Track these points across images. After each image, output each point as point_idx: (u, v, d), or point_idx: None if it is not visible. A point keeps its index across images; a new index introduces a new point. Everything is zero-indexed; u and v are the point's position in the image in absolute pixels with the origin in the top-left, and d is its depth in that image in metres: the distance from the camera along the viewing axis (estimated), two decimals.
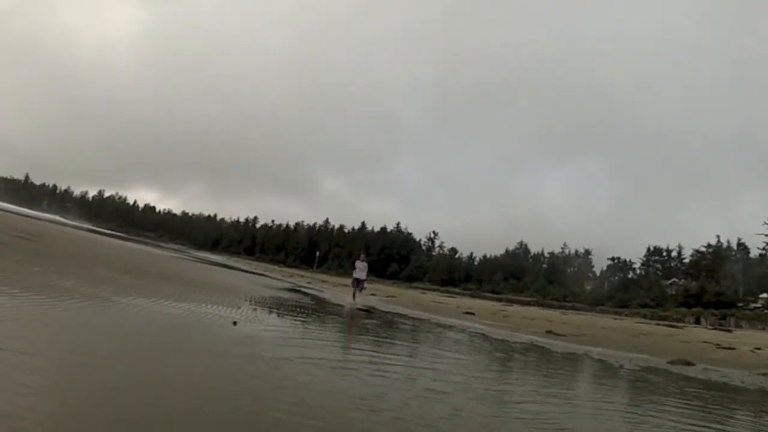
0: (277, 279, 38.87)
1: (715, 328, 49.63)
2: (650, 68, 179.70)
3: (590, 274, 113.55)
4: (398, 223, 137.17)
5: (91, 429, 3.47)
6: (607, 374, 11.44)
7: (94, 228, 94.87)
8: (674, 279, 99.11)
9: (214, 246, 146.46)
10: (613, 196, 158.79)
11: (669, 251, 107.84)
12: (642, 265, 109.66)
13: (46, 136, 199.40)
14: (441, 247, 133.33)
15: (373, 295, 37.70)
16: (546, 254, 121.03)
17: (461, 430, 4.94)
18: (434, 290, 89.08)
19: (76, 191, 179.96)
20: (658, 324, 48.03)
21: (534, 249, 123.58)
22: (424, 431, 4.73)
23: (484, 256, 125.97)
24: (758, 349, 22.11)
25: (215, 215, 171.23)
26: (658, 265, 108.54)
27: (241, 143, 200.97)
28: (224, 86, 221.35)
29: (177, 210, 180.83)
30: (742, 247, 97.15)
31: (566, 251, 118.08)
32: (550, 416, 6.07)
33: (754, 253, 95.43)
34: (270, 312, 12.99)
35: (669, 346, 20.26)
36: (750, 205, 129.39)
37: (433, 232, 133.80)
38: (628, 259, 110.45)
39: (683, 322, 63.51)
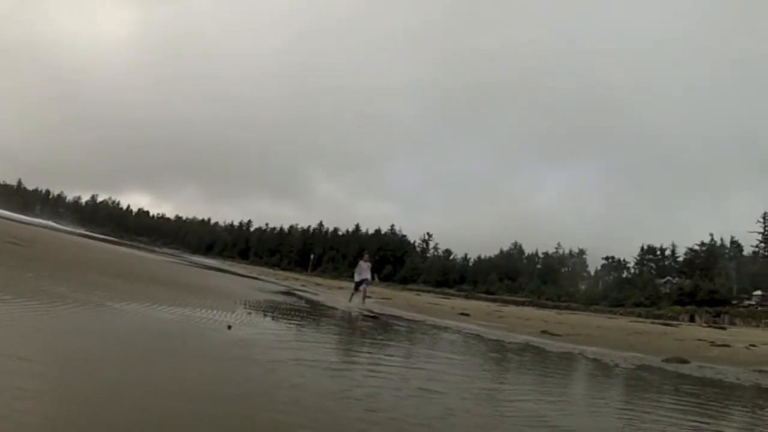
0: (271, 282, 38.77)
1: (710, 326, 49.87)
2: (649, 68, 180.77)
3: (585, 274, 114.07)
4: (392, 225, 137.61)
5: None
6: (602, 373, 11.46)
7: (87, 233, 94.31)
8: (668, 278, 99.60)
9: (208, 250, 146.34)
10: (607, 196, 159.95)
11: (663, 250, 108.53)
12: (636, 264, 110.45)
13: (39, 141, 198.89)
14: (435, 248, 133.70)
15: (369, 297, 37.60)
16: (540, 254, 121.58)
17: (455, 429, 4.95)
18: (429, 292, 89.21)
19: (69, 196, 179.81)
20: (652, 323, 48.18)
21: (528, 249, 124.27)
22: (417, 430, 4.74)
23: (479, 257, 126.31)
24: (753, 346, 22.20)
25: (209, 219, 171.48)
26: (652, 264, 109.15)
27: (235, 146, 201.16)
28: (218, 89, 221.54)
29: (171, 214, 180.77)
30: (736, 245, 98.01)
31: (560, 251, 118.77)
32: (545, 415, 6.09)
33: (747, 251, 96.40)
34: (264, 315, 12.97)
35: (664, 345, 20.31)
36: (742, 204, 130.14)
37: (428, 233, 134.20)
38: (622, 259, 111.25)
39: (678, 320, 63.81)
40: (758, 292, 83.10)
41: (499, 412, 5.99)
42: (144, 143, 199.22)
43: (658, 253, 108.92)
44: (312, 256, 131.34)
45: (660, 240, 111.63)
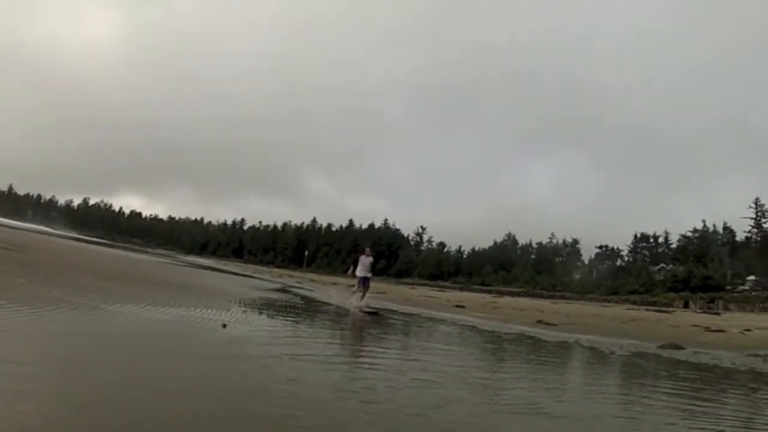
0: (266, 280, 38.76)
1: (704, 312, 50.15)
2: (632, 59, 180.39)
3: (579, 263, 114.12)
4: (386, 220, 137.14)
5: None
6: (598, 361, 11.53)
7: (80, 237, 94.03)
8: (662, 265, 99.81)
9: (201, 250, 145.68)
10: (599, 186, 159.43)
11: (656, 237, 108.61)
12: (630, 252, 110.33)
13: (29, 145, 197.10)
14: (429, 241, 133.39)
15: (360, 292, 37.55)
16: (534, 245, 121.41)
17: (450, 417, 4.99)
18: (424, 285, 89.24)
19: (61, 200, 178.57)
20: (647, 310, 48.41)
21: (522, 240, 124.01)
22: (413, 420, 4.78)
23: (473, 249, 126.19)
24: (747, 330, 22.34)
25: (202, 219, 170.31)
26: (646, 252, 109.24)
27: (226, 145, 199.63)
28: (207, 88, 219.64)
29: (163, 215, 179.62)
30: (728, 231, 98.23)
31: (554, 241, 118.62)
32: (540, 403, 6.14)
33: (740, 236, 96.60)
34: (259, 313, 12.97)
35: (659, 331, 20.43)
36: (734, 191, 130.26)
37: (421, 227, 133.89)
38: (615, 247, 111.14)
39: (672, 306, 64.02)
40: (752, 277, 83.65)
41: (494, 400, 6.03)
42: (135, 145, 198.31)
43: (652, 240, 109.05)
44: (306, 253, 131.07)
45: (653, 227, 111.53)
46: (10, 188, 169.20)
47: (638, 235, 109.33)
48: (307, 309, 16.60)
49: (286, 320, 12.22)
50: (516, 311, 29.49)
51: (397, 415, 4.83)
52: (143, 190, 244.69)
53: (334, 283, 47.33)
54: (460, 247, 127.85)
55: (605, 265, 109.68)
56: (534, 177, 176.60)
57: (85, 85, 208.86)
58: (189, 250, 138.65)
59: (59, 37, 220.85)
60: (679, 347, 14.39)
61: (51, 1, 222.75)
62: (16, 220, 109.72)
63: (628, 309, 48.41)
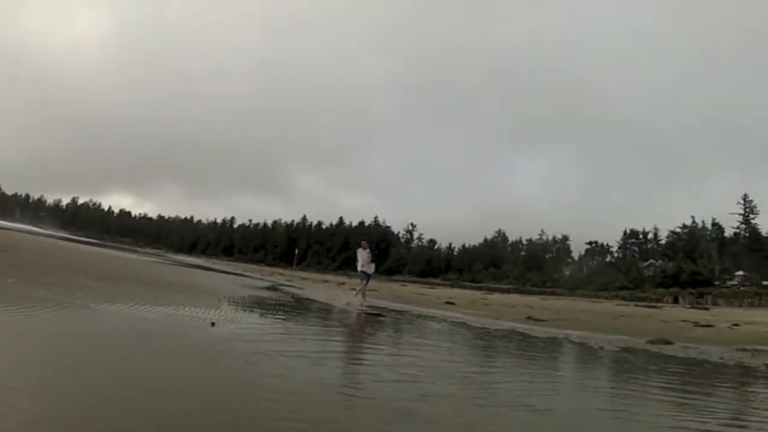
0: (256, 278, 38.71)
1: (693, 307, 50.46)
2: (618, 55, 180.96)
3: (569, 260, 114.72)
4: (376, 217, 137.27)
5: None
6: (587, 356, 11.61)
7: (69, 236, 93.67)
8: (651, 260, 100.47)
9: (191, 248, 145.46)
10: (588, 183, 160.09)
11: (645, 234, 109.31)
12: (619, 248, 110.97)
13: (17, 144, 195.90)
14: (419, 239, 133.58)
15: (353, 290, 37.65)
16: (524, 242, 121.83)
17: (436, 411, 5.04)
18: (414, 282, 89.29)
19: (50, 200, 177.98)
20: (636, 305, 48.70)
21: (512, 237, 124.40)
22: (397, 413, 4.83)
23: (463, 246, 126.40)
24: (736, 325, 22.49)
25: (191, 217, 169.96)
26: (635, 248, 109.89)
27: (215, 143, 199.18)
28: (196, 86, 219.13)
29: (153, 214, 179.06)
30: (717, 227, 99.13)
31: (544, 238, 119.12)
32: (527, 397, 6.18)
33: (728, 232, 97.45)
34: (248, 311, 12.99)
35: (648, 327, 20.53)
36: (722, 186, 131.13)
37: (411, 224, 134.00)
38: (605, 243, 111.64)
39: (662, 302, 64.43)
40: (740, 273, 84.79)
41: (482, 395, 6.08)
42: (124, 143, 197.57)
43: (641, 236, 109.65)
44: (297, 251, 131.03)
45: (642, 224, 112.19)
46: None
47: (627, 231, 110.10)
48: (297, 307, 16.60)
49: (274, 318, 12.21)
50: (506, 308, 29.54)
51: (383, 409, 4.90)
52: (132, 189, 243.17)
53: (325, 281, 47.43)
54: (450, 244, 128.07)
55: (595, 261, 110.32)
56: (524, 174, 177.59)
57: (73, 83, 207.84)
58: (179, 249, 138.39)
59: (47, 34, 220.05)
60: (668, 342, 14.48)
61: None
62: (4, 220, 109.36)
63: (617, 305, 48.70)
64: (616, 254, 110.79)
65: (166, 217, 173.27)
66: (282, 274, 60.70)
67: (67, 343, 6.07)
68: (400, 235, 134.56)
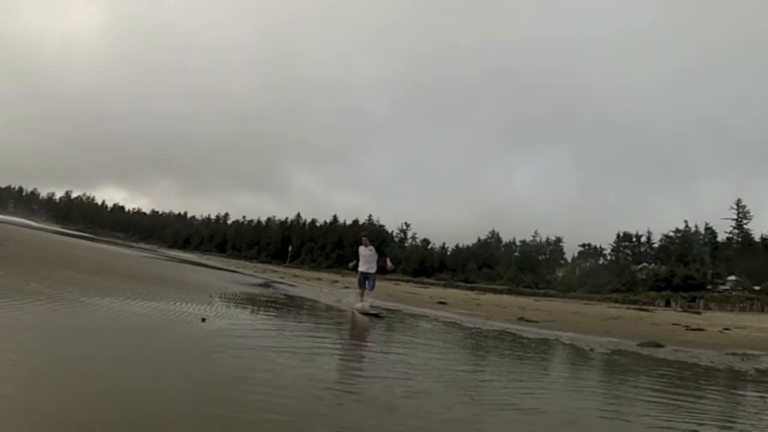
0: (249, 275, 38.61)
1: (685, 311, 50.68)
2: (616, 58, 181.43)
3: (562, 261, 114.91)
4: (370, 216, 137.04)
5: None
6: (577, 358, 11.61)
7: (62, 230, 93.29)
8: (644, 264, 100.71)
9: (185, 244, 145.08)
10: (583, 185, 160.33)
11: (638, 237, 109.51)
12: (612, 251, 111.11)
13: (11, 137, 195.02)
14: (413, 238, 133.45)
15: (346, 288, 37.66)
16: (518, 243, 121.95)
17: (422, 408, 5.09)
18: (408, 281, 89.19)
19: (43, 193, 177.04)
20: (628, 308, 48.76)
21: (506, 238, 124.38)
22: (382, 408, 4.90)
23: (457, 246, 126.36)
24: (726, 329, 22.59)
25: (185, 213, 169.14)
26: (628, 251, 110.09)
27: (211, 139, 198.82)
28: (192, 81, 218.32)
29: (147, 209, 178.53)
30: (710, 231, 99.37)
31: (537, 239, 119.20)
32: (513, 397, 6.20)
33: (721, 237, 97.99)
34: (239, 307, 12.96)
35: (639, 330, 20.60)
36: (715, 191, 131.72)
37: (405, 223, 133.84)
38: (598, 245, 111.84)
39: (654, 305, 64.50)
40: (732, 277, 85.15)
41: (470, 394, 6.11)
42: (119, 137, 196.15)
43: (634, 239, 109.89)
44: (290, 248, 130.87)
45: (636, 227, 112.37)
46: None
47: (621, 234, 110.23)
48: (288, 304, 16.58)
49: (266, 314, 12.20)
50: (498, 308, 29.60)
51: (370, 404, 4.97)
52: (126, 183, 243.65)
53: (318, 279, 47.40)
54: (444, 243, 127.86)
55: (588, 264, 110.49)
56: (519, 175, 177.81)
57: (69, 76, 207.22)
58: (172, 245, 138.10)
59: (43, 28, 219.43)
60: (658, 345, 14.53)
61: None
62: None
63: (609, 307, 48.80)
64: (609, 257, 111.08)
65: (160, 213, 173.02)
66: (275, 271, 60.66)
67: (57, 335, 6.06)
68: (394, 234, 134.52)
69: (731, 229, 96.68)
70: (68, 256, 20.22)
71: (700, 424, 5.62)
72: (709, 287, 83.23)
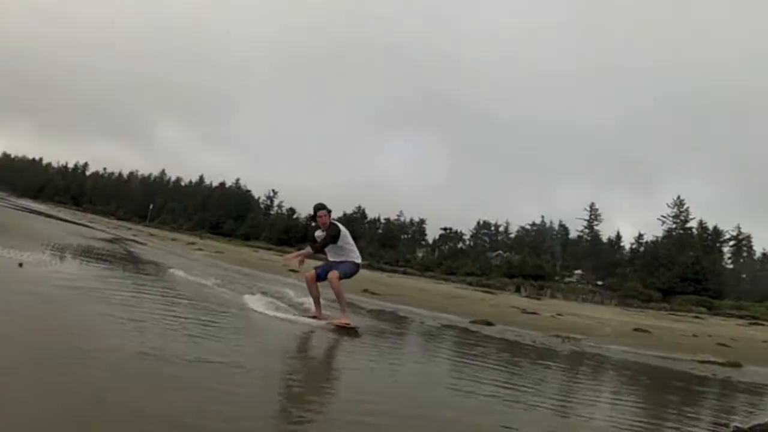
0: (99, 230, 37.16)
1: (529, 297, 53.25)
2: (501, 46, 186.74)
3: (423, 242, 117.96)
4: (238, 179, 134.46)
5: None
6: (404, 329, 11.88)
7: None
8: (499, 251, 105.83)
9: (38, 193, 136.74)
10: (450, 170, 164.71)
11: (497, 226, 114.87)
12: (471, 236, 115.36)
13: None
14: (280, 206, 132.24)
15: (200, 250, 37.07)
16: (382, 220, 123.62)
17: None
18: (269, 249, 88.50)
19: None
20: (474, 289, 50.65)
21: (371, 214, 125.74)
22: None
23: None
24: (559, 315, 24.05)
25: (41, 159, 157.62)
26: (486, 238, 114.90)
27: (71, 72, 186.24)
28: (55, 7, 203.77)
29: None
30: (563, 228, 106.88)
31: (402, 219, 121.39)
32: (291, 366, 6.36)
33: (573, 234, 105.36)
34: (68, 258, 12.54)
35: (477, 309, 21.38)
36: (574, 193, 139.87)
37: (273, 190, 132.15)
38: (459, 230, 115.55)
39: (504, 290, 67.52)
40: (578, 271, 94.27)
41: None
42: None
43: (493, 228, 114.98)
44: (152, 206, 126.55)
45: (495, 216, 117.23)
46: None
47: (481, 222, 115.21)
48: (125, 259, 16.09)
49: (95, 267, 11.87)
50: (348, 280, 29.82)
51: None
52: None
53: (173, 240, 46.36)
54: (309, 214, 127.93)
55: (447, 247, 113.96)
56: (390, 153, 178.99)
57: None
58: (23, 194, 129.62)
59: None
60: (489, 324, 15.24)
61: None
62: None
63: (458, 287, 50.50)
64: (468, 242, 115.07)
65: (12, 156, 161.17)
66: (130, 229, 58.40)
67: None
68: (261, 200, 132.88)
69: (583, 228, 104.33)
70: None
71: (482, 385, 6.28)
72: (557, 278, 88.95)
